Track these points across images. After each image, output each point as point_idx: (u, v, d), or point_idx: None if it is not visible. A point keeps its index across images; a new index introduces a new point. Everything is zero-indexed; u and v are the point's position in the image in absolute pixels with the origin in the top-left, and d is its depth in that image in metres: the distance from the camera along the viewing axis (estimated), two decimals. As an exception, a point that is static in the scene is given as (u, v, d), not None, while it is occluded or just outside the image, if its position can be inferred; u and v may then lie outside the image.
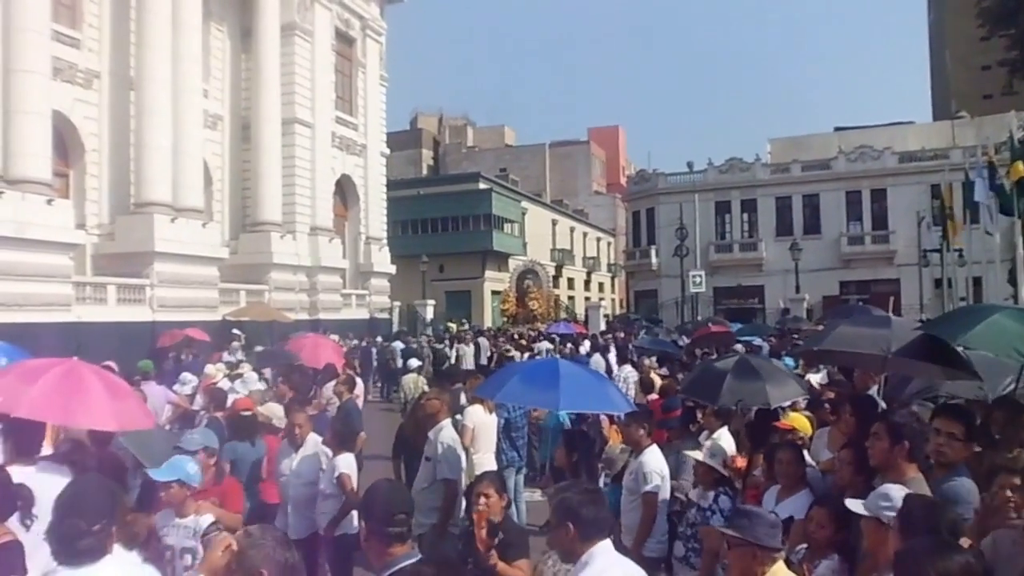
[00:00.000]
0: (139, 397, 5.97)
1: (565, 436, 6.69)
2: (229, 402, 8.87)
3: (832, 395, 7.37)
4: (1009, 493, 3.55)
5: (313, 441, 6.94)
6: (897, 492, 3.51)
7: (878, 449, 4.25)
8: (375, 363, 25.26)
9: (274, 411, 9.25)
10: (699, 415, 8.01)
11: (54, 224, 19.88)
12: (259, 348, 15.98)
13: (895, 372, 6.69)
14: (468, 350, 24.23)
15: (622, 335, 26.40)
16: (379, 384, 24.99)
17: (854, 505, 3.63)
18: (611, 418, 8.72)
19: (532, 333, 29.58)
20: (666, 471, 6.30)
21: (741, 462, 6.04)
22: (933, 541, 2.95)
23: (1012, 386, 5.55)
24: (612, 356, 18.94)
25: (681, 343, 19.74)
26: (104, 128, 24.04)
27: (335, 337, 25.35)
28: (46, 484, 3.93)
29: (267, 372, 12.79)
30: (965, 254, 24.27)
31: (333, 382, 10.94)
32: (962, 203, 21.92)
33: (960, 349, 5.35)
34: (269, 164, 29.35)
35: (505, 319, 42.78)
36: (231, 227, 29.79)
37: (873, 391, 6.85)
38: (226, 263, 26.53)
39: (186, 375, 13.19)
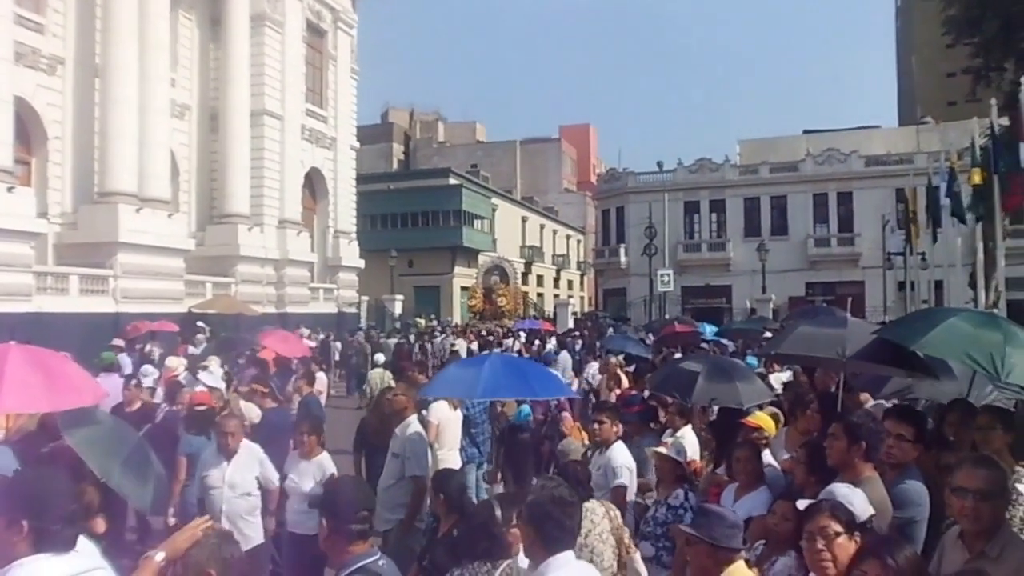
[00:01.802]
0: (83, 374, 5.75)
1: (500, 434, 6.72)
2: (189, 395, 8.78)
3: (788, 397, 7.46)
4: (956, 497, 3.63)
5: (247, 449, 6.57)
6: (843, 491, 3.56)
7: (836, 449, 4.32)
8: (337, 357, 25.12)
9: (251, 411, 9.14)
10: (661, 413, 8.05)
11: (15, 212, 19.52)
12: (223, 335, 15.83)
13: (859, 372, 6.78)
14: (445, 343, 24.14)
15: (588, 333, 26.59)
16: (344, 379, 24.85)
17: (804, 505, 3.66)
18: (573, 415, 8.75)
19: (500, 329, 29.58)
20: (633, 465, 6.29)
21: (698, 465, 6.09)
22: (886, 538, 3.20)
23: (992, 392, 5.63)
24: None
25: (648, 341, 19.86)
26: (68, 115, 23.61)
27: (306, 331, 25.24)
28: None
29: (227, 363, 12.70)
30: (927, 258, 24.63)
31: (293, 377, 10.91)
32: (925, 207, 22.22)
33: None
34: (237, 155, 29.05)
35: (472, 315, 42.77)
36: (198, 218, 29.44)
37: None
38: (192, 255, 26.22)
39: (147, 367, 13.06)
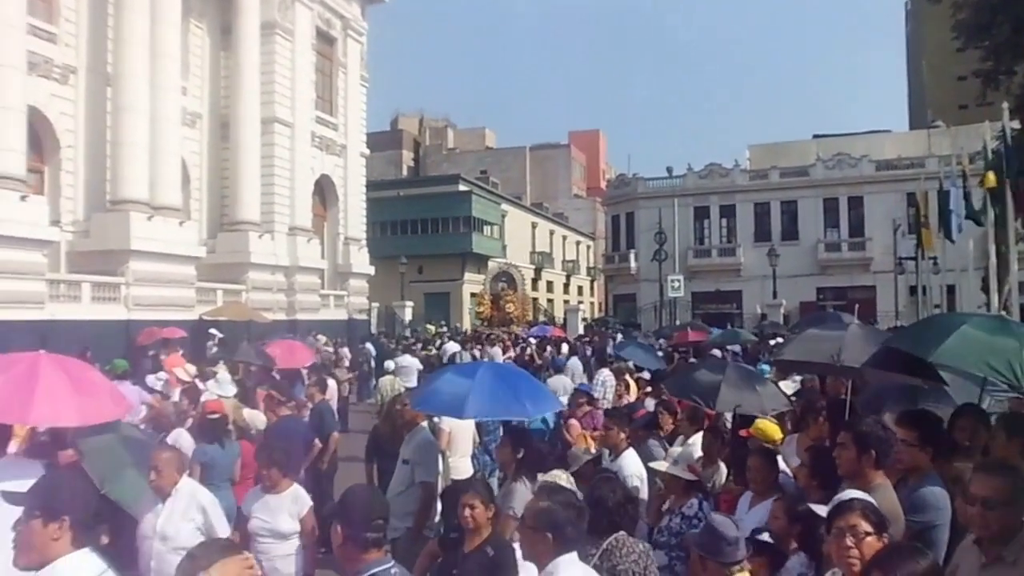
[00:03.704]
0: (111, 387, 5.71)
1: (511, 434, 6.41)
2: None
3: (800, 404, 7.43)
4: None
5: (188, 491, 5.27)
6: (853, 496, 3.60)
7: (845, 458, 4.30)
8: (347, 364, 25.03)
9: (256, 419, 9.15)
10: (668, 420, 8.03)
11: (28, 221, 19.61)
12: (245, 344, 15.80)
13: (870, 380, 6.74)
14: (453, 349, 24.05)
15: (597, 339, 26.58)
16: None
17: (819, 509, 3.74)
18: (582, 422, 8.74)
19: (506, 335, 29.53)
20: (644, 473, 6.27)
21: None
22: (902, 546, 3.17)
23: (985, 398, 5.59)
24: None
25: (658, 347, 19.85)
26: (80, 124, 23.74)
27: (323, 338, 25.26)
28: (13, 481, 3.88)
29: (240, 371, 12.72)
30: (939, 262, 24.55)
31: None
32: (937, 211, 22.16)
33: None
34: (248, 163, 29.14)
35: (480, 321, 42.82)
36: (209, 226, 29.55)
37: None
38: (203, 262, 26.29)
39: (162, 373, 13.11)
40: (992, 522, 3.29)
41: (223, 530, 5.40)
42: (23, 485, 3.28)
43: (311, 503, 5.84)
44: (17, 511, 3.06)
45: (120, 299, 22.88)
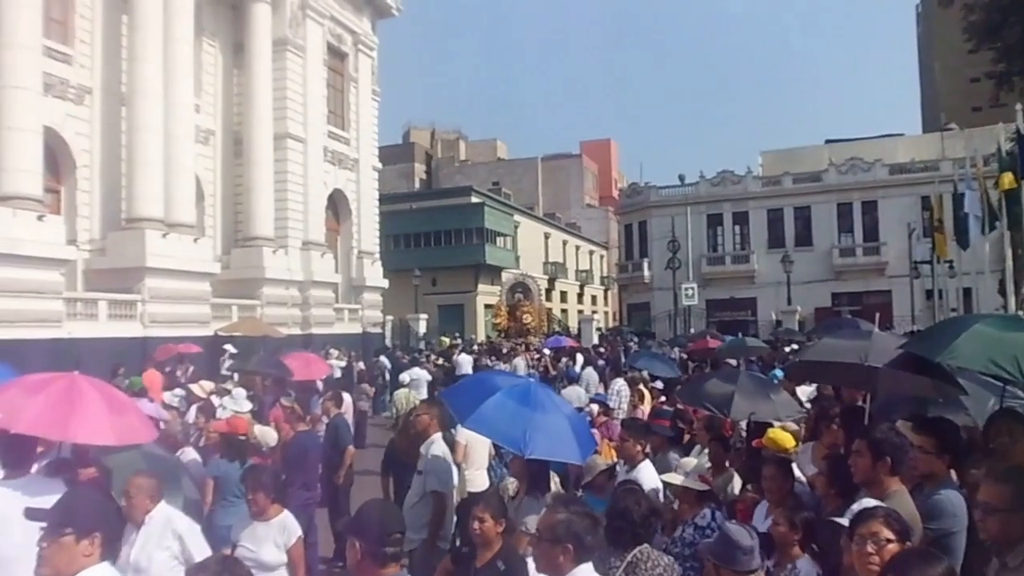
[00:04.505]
0: (139, 410, 5.82)
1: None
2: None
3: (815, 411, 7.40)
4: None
5: (162, 518, 4.86)
6: (876, 504, 3.60)
7: (860, 466, 4.29)
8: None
9: (267, 435, 9.17)
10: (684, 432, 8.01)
11: (45, 240, 19.80)
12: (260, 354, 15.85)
13: (884, 390, 6.70)
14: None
15: (609, 348, 26.54)
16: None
17: (840, 520, 3.77)
18: (599, 432, 8.72)
19: (522, 346, 29.53)
20: (660, 485, 6.22)
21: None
22: (917, 551, 3.19)
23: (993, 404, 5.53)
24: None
25: (673, 356, 19.78)
26: (95, 144, 23.99)
27: (335, 352, 25.33)
28: (36, 497, 3.93)
29: (256, 386, 12.75)
30: (955, 265, 24.41)
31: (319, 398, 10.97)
32: (952, 215, 22.04)
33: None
34: (261, 179, 29.32)
35: (497, 333, 42.82)
36: (223, 242, 29.72)
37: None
38: (218, 278, 26.44)
39: (178, 390, 13.18)
40: (991, 526, 3.29)
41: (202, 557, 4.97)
42: (46, 502, 3.33)
43: (300, 532, 5.52)
44: (38, 528, 3.10)
45: (136, 316, 23.04)
